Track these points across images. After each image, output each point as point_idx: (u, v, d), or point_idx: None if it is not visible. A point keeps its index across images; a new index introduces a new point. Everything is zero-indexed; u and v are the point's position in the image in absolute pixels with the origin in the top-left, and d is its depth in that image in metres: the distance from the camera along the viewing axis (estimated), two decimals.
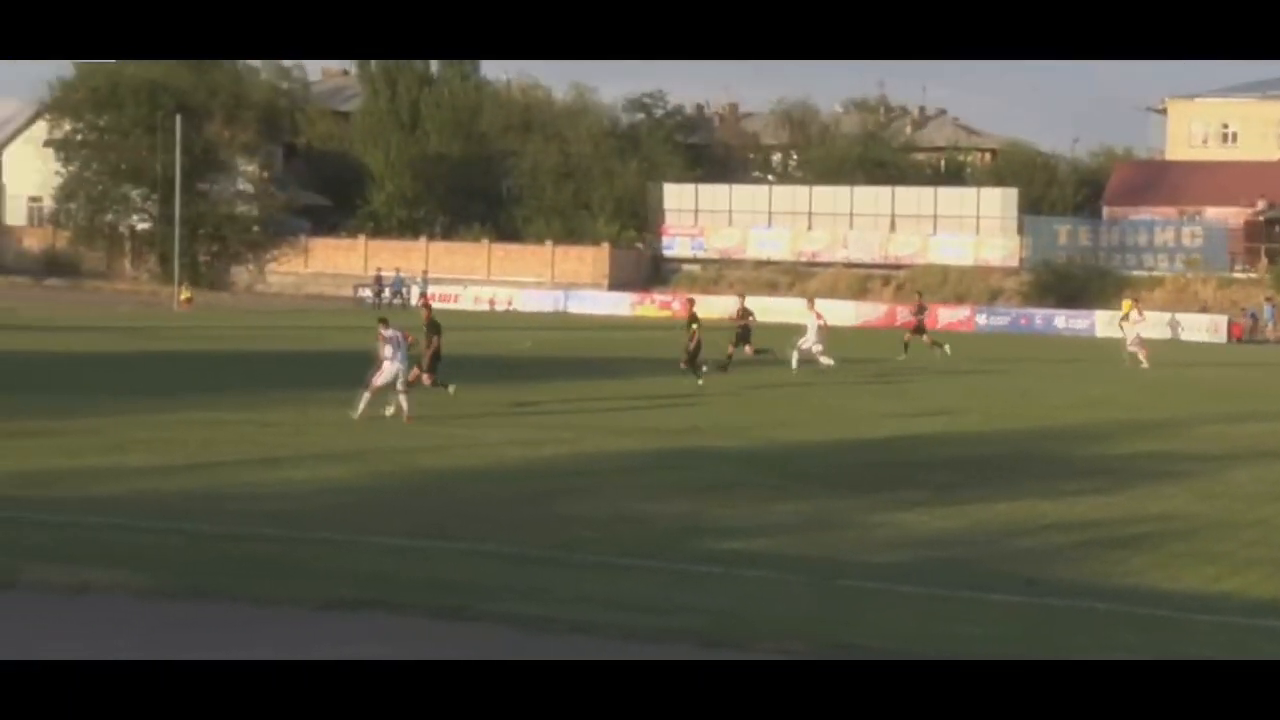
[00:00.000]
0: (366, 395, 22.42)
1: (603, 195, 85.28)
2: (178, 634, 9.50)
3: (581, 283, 74.18)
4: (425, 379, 24.29)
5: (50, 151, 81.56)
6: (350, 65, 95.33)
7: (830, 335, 35.24)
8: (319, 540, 12.88)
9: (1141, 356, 39.32)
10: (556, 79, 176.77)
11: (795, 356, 33.93)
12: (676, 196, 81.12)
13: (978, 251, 72.08)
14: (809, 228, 76.23)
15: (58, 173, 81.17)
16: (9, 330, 41.59)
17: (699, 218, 79.74)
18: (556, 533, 13.44)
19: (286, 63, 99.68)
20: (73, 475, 16.31)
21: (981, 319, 64.00)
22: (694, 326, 30.77)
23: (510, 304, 72.68)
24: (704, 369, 30.52)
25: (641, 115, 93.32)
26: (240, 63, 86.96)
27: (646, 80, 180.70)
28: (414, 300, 63.44)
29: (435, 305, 28.72)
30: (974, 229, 72.77)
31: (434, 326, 24.89)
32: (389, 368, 22.85)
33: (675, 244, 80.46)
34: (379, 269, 76.01)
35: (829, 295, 63.96)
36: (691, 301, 33.89)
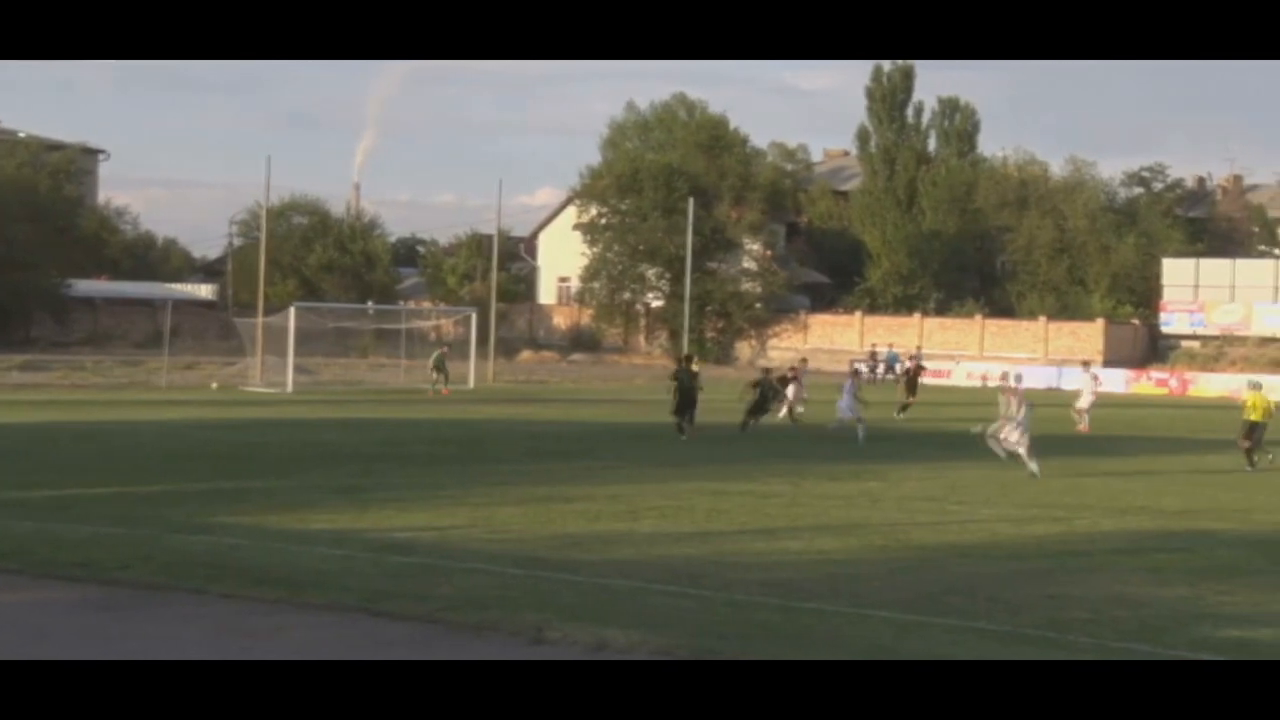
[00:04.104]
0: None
1: (1098, 271, 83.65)
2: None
3: (1075, 359, 72.94)
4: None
5: (578, 235, 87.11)
6: (851, 147, 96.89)
7: None
8: (814, 610, 13.43)
9: None
10: (1053, 154, 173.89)
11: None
12: (1176, 272, 78.83)
13: None
14: None
15: (583, 254, 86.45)
16: (540, 403, 44.61)
17: (1199, 293, 77.19)
18: (1049, 613, 13.56)
19: (792, 144, 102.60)
20: (592, 539, 17.61)
21: None
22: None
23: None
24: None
25: (1140, 189, 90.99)
26: (750, 146, 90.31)
27: (1146, 154, 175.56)
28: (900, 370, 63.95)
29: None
30: None
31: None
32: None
33: (1174, 320, 78.13)
34: (874, 344, 76.86)
35: None
36: None
